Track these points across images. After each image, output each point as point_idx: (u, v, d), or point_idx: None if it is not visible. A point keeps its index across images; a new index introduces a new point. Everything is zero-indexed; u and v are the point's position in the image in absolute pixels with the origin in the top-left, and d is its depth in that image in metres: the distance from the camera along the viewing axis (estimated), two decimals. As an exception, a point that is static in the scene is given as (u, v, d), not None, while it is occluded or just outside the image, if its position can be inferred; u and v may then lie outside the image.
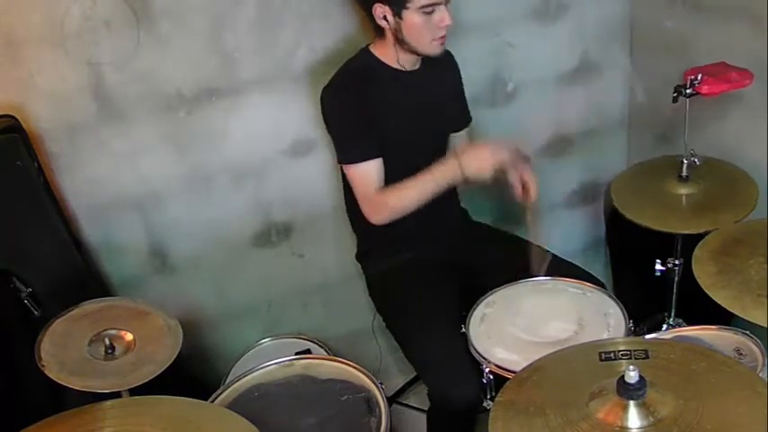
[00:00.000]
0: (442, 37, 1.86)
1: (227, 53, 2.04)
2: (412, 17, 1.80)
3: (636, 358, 1.32)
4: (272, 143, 2.19)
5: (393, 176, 1.92)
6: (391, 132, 1.91)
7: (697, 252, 1.72)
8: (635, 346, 1.37)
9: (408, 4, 1.78)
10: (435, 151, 2.06)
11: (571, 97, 2.52)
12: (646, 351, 1.33)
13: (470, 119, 2.19)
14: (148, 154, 2.06)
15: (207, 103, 2.06)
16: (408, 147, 1.94)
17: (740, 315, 1.53)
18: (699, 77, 1.91)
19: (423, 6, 1.78)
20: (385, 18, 1.84)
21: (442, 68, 2.03)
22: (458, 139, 2.18)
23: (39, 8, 1.83)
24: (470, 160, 1.84)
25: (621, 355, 1.33)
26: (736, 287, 1.59)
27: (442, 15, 1.81)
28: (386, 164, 1.92)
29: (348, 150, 1.92)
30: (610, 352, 1.35)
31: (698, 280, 1.63)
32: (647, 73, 2.50)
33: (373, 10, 1.84)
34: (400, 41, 1.87)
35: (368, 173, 1.91)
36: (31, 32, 1.84)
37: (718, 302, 1.56)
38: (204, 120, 2.08)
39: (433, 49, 1.88)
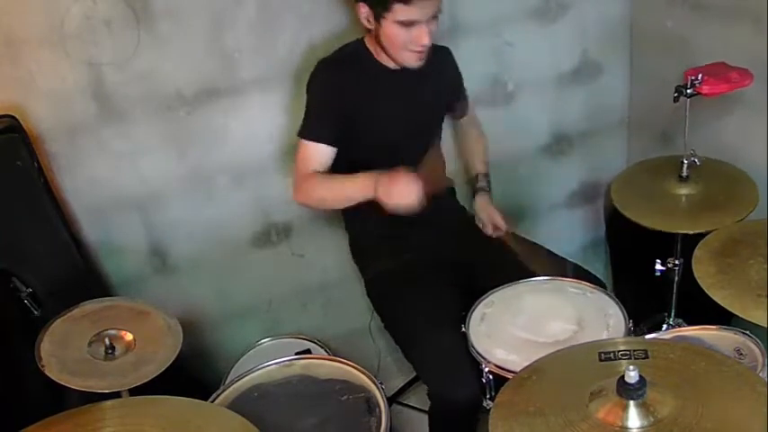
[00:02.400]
0: (419, 52, 1.84)
1: (227, 53, 2.04)
2: (389, 26, 1.80)
3: (636, 358, 1.32)
4: (271, 143, 2.19)
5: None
6: (368, 125, 1.92)
7: (697, 252, 1.72)
8: (635, 346, 1.37)
9: (386, 14, 1.78)
10: (414, 150, 2.06)
11: (571, 97, 2.52)
12: (645, 351, 1.33)
13: (464, 98, 2.21)
14: (148, 154, 2.07)
15: (207, 103, 2.06)
16: (388, 143, 1.93)
17: (740, 315, 1.53)
18: (699, 77, 1.91)
19: (400, 21, 1.78)
20: (367, 19, 1.85)
21: (435, 68, 2.02)
22: (463, 124, 2.23)
23: (39, 8, 1.83)
24: (390, 193, 1.77)
25: (621, 355, 1.33)
26: (736, 287, 1.59)
27: (420, 33, 1.79)
28: (364, 158, 1.90)
29: (307, 126, 1.92)
30: (610, 352, 1.35)
31: (698, 280, 1.62)
32: (647, 73, 2.50)
33: (358, 8, 1.85)
34: (380, 44, 1.88)
35: (312, 154, 1.91)
36: (31, 32, 1.84)
37: (719, 302, 1.55)
38: (204, 120, 2.08)
39: (406, 60, 1.87)
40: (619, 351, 1.35)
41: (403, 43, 1.82)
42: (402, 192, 1.75)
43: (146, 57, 1.95)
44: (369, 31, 1.91)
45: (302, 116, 2.14)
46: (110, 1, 1.87)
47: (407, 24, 1.78)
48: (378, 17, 1.81)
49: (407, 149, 1.98)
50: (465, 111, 2.23)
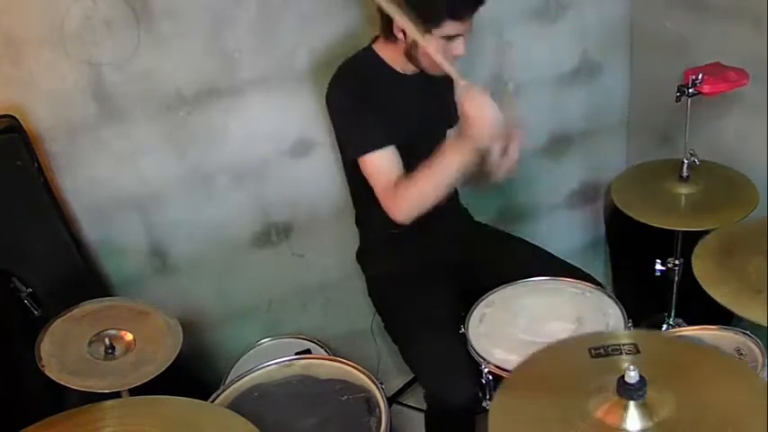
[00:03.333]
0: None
1: (227, 53, 2.04)
2: (433, 41, 1.77)
3: (627, 353, 1.32)
4: (272, 143, 2.19)
5: None
6: (389, 133, 1.90)
7: (697, 251, 1.72)
8: (624, 339, 1.37)
9: (434, 31, 1.75)
10: (431, 155, 2.06)
11: (571, 97, 2.52)
12: (635, 345, 1.33)
13: None
14: (148, 154, 2.06)
15: (207, 103, 2.06)
16: (406, 149, 1.93)
17: (739, 314, 1.53)
18: (700, 77, 1.92)
19: (446, 36, 1.76)
20: (402, 32, 1.82)
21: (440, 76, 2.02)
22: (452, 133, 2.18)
23: (39, 8, 1.83)
24: (474, 127, 1.69)
25: (612, 350, 1.33)
26: (735, 285, 1.59)
27: (458, 45, 1.79)
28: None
29: (360, 140, 1.87)
30: (600, 347, 1.34)
31: (698, 278, 1.62)
32: (647, 73, 2.50)
33: (395, 22, 1.80)
34: (409, 56, 1.86)
35: (384, 162, 1.85)
36: (31, 32, 1.84)
37: (719, 301, 1.55)
38: (204, 120, 2.08)
39: (437, 70, 1.84)
40: (609, 346, 1.34)
41: (443, 56, 1.78)
42: (480, 109, 1.67)
43: (146, 57, 1.95)
44: (384, 36, 1.88)
45: (304, 117, 2.16)
46: (110, 1, 1.87)
47: (451, 38, 1.77)
48: (422, 32, 1.78)
49: (423, 153, 1.98)
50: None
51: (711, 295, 1.57)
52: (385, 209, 1.87)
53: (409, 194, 1.83)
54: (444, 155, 1.78)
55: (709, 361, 1.32)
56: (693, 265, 1.67)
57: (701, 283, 1.61)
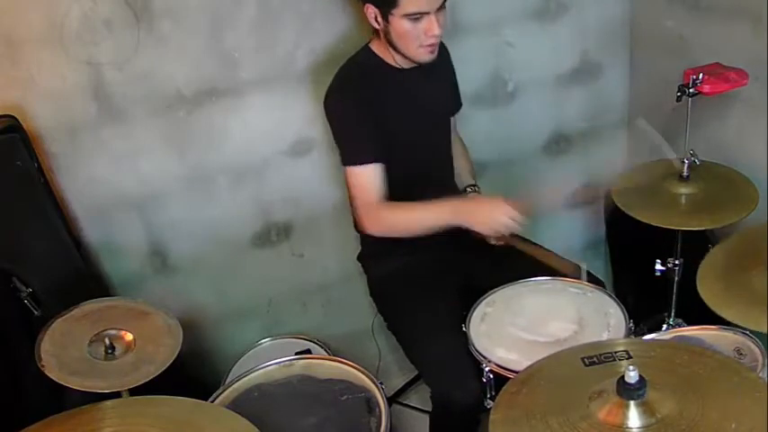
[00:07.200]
0: (431, 45, 1.83)
1: (227, 53, 2.04)
2: (398, 22, 1.78)
3: (619, 359, 1.32)
4: (272, 143, 2.19)
5: (396, 174, 1.91)
6: (391, 130, 1.90)
7: (701, 271, 1.67)
8: (616, 347, 1.37)
9: (393, 11, 1.76)
10: (436, 146, 2.06)
11: (571, 97, 2.52)
12: (627, 351, 1.34)
13: (461, 104, 2.20)
14: (148, 154, 2.07)
15: (207, 103, 2.06)
16: (409, 144, 1.93)
17: (754, 329, 1.51)
18: (700, 77, 1.92)
19: (408, 14, 1.76)
20: (375, 19, 1.83)
21: (441, 63, 2.02)
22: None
23: (39, 8, 1.83)
24: (476, 215, 1.80)
25: (604, 358, 1.34)
26: (744, 302, 1.55)
27: (429, 24, 1.78)
28: (388, 162, 1.90)
29: (348, 152, 1.90)
30: (593, 356, 1.35)
31: (704, 299, 1.58)
32: (647, 73, 2.50)
33: (365, 9, 1.83)
34: (390, 43, 1.86)
35: (367, 177, 1.88)
36: (31, 32, 1.84)
37: (728, 319, 1.52)
38: (204, 120, 2.08)
39: (420, 55, 1.85)
40: (601, 354, 1.35)
41: (415, 38, 1.80)
42: (489, 214, 1.78)
43: (146, 57, 1.95)
44: (376, 33, 1.90)
45: (304, 117, 2.16)
46: (110, 1, 1.87)
47: (416, 17, 1.77)
48: (386, 15, 1.79)
49: (422, 146, 1.98)
50: (458, 108, 2.21)
51: (721, 315, 1.52)
52: (358, 220, 1.92)
53: (395, 217, 1.88)
54: (443, 208, 1.84)
55: (706, 361, 1.31)
56: (699, 287, 1.61)
57: (707, 304, 1.56)
